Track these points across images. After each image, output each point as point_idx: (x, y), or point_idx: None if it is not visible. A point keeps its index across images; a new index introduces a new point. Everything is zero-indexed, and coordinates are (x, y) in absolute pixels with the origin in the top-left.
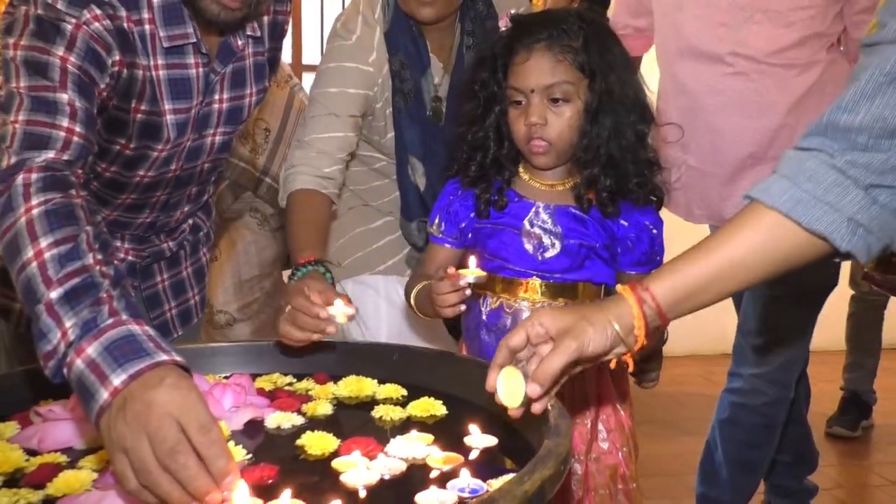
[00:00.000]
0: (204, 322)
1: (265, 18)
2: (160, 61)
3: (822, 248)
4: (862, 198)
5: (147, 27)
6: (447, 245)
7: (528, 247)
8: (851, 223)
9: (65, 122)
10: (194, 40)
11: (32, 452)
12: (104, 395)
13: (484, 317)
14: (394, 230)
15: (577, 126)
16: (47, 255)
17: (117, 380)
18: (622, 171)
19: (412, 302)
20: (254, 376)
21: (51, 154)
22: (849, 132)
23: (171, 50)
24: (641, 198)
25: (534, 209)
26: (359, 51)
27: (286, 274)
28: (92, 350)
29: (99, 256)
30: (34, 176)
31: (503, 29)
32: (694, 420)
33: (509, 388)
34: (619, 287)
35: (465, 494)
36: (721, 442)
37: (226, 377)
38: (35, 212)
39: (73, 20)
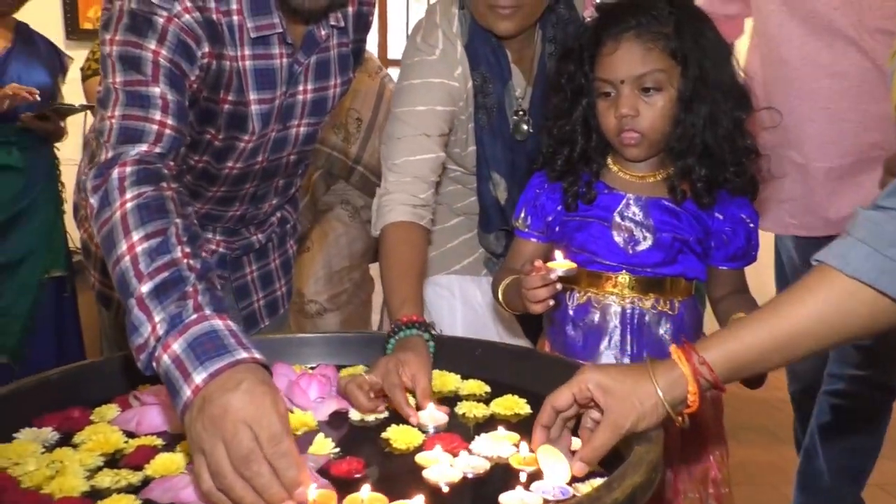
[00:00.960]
0: (295, 311)
1: (350, 9)
2: (247, 52)
3: None
4: None
5: (235, 18)
6: (533, 239)
7: (619, 240)
8: None
9: (157, 115)
10: (280, 30)
11: (131, 434)
12: (187, 392)
13: (570, 312)
14: (468, 229)
15: (670, 115)
16: (139, 248)
17: (199, 378)
18: (718, 161)
19: (500, 297)
20: (338, 367)
21: (144, 147)
22: None
23: (257, 40)
24: (738, 188)
25: (624, 201)
26: (444, 65)
27: (374, 268)
28: (177, 346)
29: (187, 249)
30: (128, 170)
31: (588, 19)
32: (790, 427)
33: (551, 465)
34: (673, 352)
35: (551, 498)
36: (822, 448)
37: (312, 368)
38: (129, 206)
39: (165, 13)
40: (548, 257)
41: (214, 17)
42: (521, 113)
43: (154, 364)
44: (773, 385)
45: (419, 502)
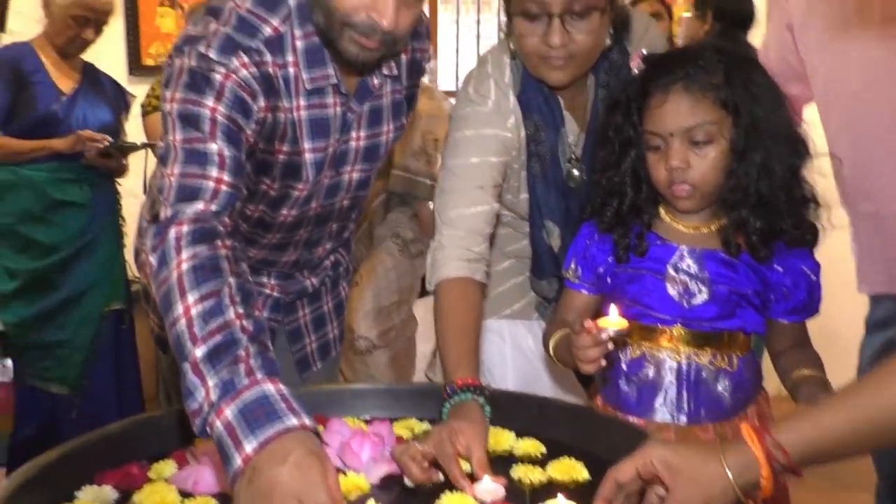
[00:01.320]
0: (345, 348)
1: (403, 57)
2: (302, 102)
3: None
4: None
5: (291, 70)
6: (584, 291)
7: (673, 293)
8: None
9: (214, 172)
10: (335, 81)
11: (187, 494)
12: (238, 461)
13: (624, 366)
14: (519, 273)
15: (722, 166)
16: (193, 311)
17: (249, 447)
18: (774, 212)
19: (552, 352)
20: (392, 420)
21: (200, 206)
22: None
23: (312, 91)
24: (797, 239)
25: (678, 253)
26: (496, 116)
27: (422, 304)
28: (229, 412)
29: (240, 310)
30: (185, 229)
31: (635, 70)
32: (858, 472)
33: None
34: (745, 432)
35: None
36: None
37: (366, 421)
38: (184, 266)
39: (223, 69)
40: (599, 311)
41: (271, 70)
42: (574, 160)
43: (208, 429)
44: None
45: None
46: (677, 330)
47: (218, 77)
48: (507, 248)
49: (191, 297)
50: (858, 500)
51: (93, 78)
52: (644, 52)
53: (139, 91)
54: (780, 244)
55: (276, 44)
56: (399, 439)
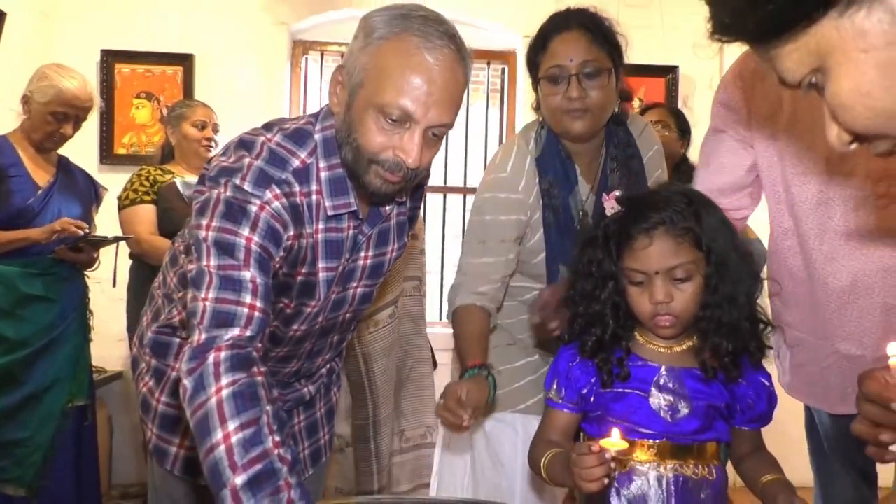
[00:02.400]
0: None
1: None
2: (320, 226)
3: None
4: None
5: (314, 198)
6: (566, 410)
7: (659, 410)
8: None
9: (248, 299)
10: (354, 208)
11: None
12: None
13: (614, 482)
14: (535, 370)
15: (698, 299)
16: (234, 439)
17: None
18: (741, 336)
19: (543, 473)
20: None
21: (236, 331)
22: None
23: (331, 217)
24: (758, 358)
25: (659, 372)
26: (510, 181)
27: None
28: None
29: (277, 438)
30: (223, 355)
31: (610, 210)
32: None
33: None
34: None
35: None
36: None
37: None
38: (224, 393)
39: (258, 201)
40: (579, 429)
41: (298, 200)
42: (584, 213)
43: None
44: None
45: None
46: (664, 444)
47: (253, 208)
48: (520, 336)
49: (231, 425)
50: None
51: (67, 171)
52: (617, 193)
53: (109, 179)
54: (744, 361)
55: (304, 174)
56: None
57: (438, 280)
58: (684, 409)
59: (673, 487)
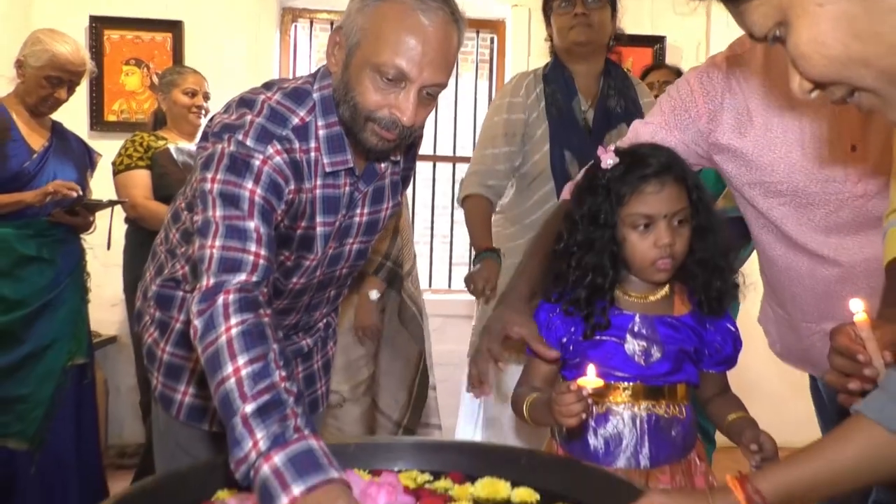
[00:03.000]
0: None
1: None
2: (319, 182)
3: None
4: None
5: (313, 155)
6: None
7: (634, 355)
8: None
9: (253, 247)
10: (350, 165)
11: None
12: (284, 500)
13: (591, 422)
14: None
15: (688, 244)
16: (243, 372)
17: (297, 489)
18: (725, 278)
19: (525, 415)
20: (398, 472)
21: (243, 276)
22: None
23: (329, 174)
24: (728, 300)
25: (634, 320)
26: (513, 90)
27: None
28: (278, 459)
29: (283, 373)
30: (231, 297)
31: (610, 163)
32: None
33: None
34: (729, 481)
35: None
36: None
37: (372, 472)
38: (234, 331)
39: (260, 156)
40: (560, 377)
41: (298, 156)
42: (585, 120)
43: (252, 473)
44: None
45: None
46: (637, 386)
47: (256, 162)
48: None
49: (240, 360)
50: None
51: (61, 136)
52: (613, 147)
53: (99, 146)
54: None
55: (303, 132)
56: (406, 489)
57: (428, 250)
58: (657, 354)
59: (646, 426)
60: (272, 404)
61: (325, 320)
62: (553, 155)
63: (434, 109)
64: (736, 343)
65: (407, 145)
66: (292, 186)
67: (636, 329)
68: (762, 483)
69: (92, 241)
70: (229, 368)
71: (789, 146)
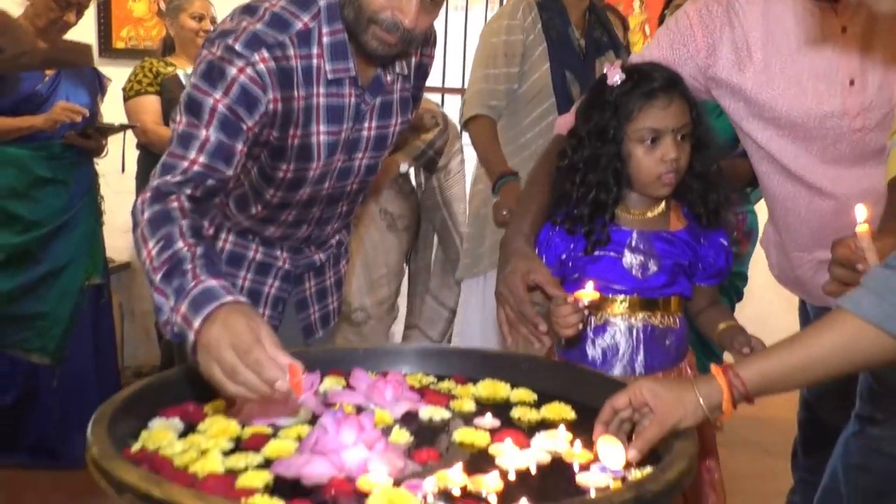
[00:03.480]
0: (340, 320)
1: (413, 59)
2: (321, 90)
3: None
4: None
5: (315, 61)
6: None
7: (631, 268)
8: None
9: (192, 154)
10: (353, 74)
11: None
12: (192, 337)
13: (590, 333)
14: None
15: (689, 158)
16: (154, 251)
17: (196, 323)
18: (720, 189)
19: None
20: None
21: (167, 178)
22: None
23: (332, 81)
24: (725, 212)
25: (631, 236)
26: (510, 13)
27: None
28: (184, 307)
29: (189, 241)
30: (147, 195)
31: (617, 80)
32: (783, 442)
33: (609, 451)
34: (713, 369)
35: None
36: (849, 488)
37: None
38: (144, 223)
39: (241, 63)
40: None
41: (292, 63)
42: (580, 46)
43: (175, 329)
44: (764, 403)
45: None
46: (633, 299)
47: (232, 70)
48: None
49: (150, 243)
50: (781, 465)
51: None
52: (620, 63)
53: (108, 73)
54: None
55: (305, 37)
56: (412, 388)
57: None
58: (653, 267)
59: (641, 335)
60: (174, 267)
61: (337, 237)
62: (553, 72)
63: (443, 43)
64: (728, 257)
65: (417, 65)
66: (272, 95)
67: (633, 244)
68: (743, 370)
69: (104, 169)
70: (144, 254)
71: (788, 82)
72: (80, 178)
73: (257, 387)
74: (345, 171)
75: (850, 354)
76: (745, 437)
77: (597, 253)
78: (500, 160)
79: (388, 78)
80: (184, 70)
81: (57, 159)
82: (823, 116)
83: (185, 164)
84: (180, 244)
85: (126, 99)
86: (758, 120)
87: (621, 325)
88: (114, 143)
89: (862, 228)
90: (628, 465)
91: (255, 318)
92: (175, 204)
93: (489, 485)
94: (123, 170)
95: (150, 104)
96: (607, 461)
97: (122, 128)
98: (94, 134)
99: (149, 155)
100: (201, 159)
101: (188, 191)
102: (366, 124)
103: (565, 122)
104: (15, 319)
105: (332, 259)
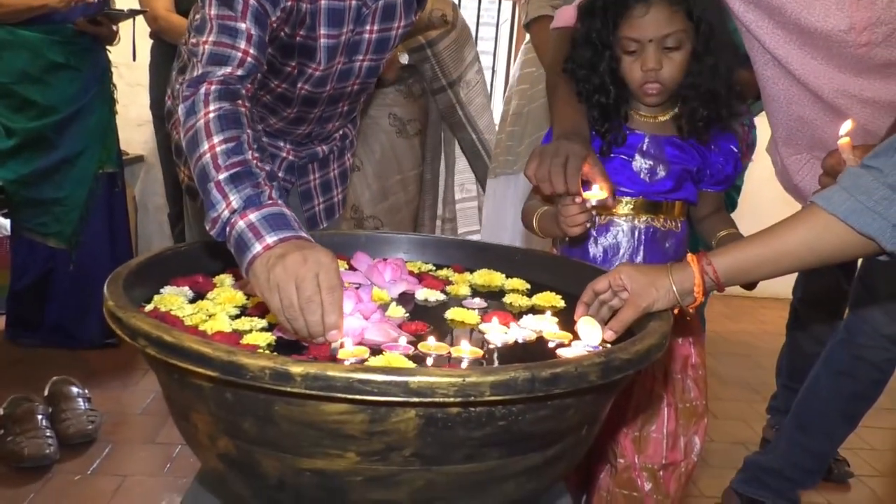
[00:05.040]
0: (355, 228)
1: None
2: None
3: (869, 247)
4: None
5: None
6: None
7: (640, 172)
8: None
9: (242, 45)
10: None
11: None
12: (258, 247)
13: (593, 231)
14: None
15: (684, 68)
16: (218, 148)
17: (270, 238)
18: (717, 104)
19: (535, 226)
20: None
21: (228, 69)
22: None
23: None
24: (729, 125)
25: (643, 140)
26: None
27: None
28: (253, 217)
29: (257, 155)
30: (213, 87)
31: None
32: (769, 385)
33: (588, 330)
34: (688, 257)
35: (590, 348)
36: (831, 393)
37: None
38: (211, 115)
39: None
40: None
41: None
42: None
43: (228, 229)
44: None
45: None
46: (639, 200)
47: None
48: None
49: (216, 138)
50: (769, 377)
51: None
52: None
53: None
54: (716, 130)
55: None
56: (411, 273)
57: None
58: (662, 172)
59: (643, 237)
60: (245, 174)
61: (341, 131)
62: None
63: None
64: (736, 164)
65: None
66: None
67: (645, 148)
68: (716, 259)
69: (116, 60)
70: (205, 146)
71: None
72: (93, 66)
73: (316, 325)
74: (346, 73)
75: (817, 247)
76: (739, 378)
77: (610, 154)
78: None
79: None
80: None
81: (70, 44)
82: (830, 30)
83: (240, 54)
84: (249, 155)
85: None
86: (767, 22)
87: (624, 225)
88: (124, 32)
89: (843, 141)
90: (604, 343)
91: (337, 263)
92: (244, 109)
93: (465, 350)
94: (134, 58)
95: None
96: (587, 338)
97: (132, 13)
98: (104, 20)
99: (162, 44)
100: (252, 51)
101: (248, 84)
102: (367, 27)
103: (564, 15)
104: (33, 204)
105: (337, 151)
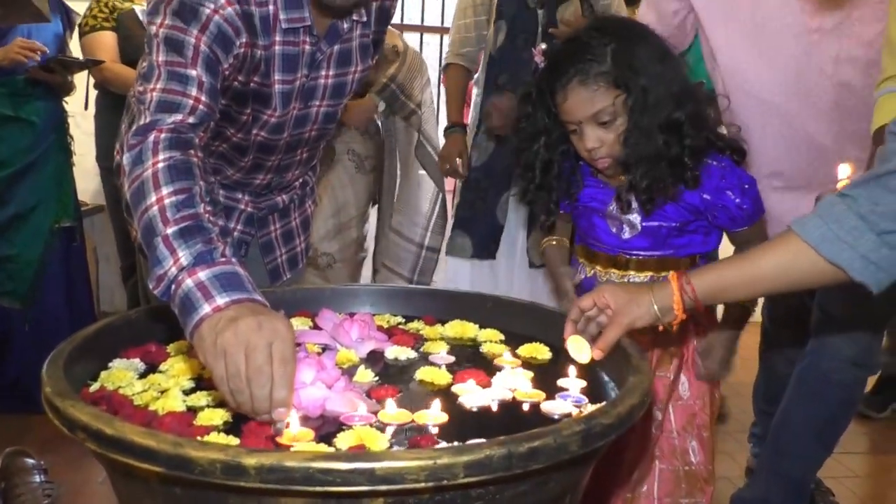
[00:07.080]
0: (307, 266)
1: (374, 4)
2: (277, 38)
3: (839, 276)
4: (874, 240)
5: (270, 9)
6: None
7: (612, 229)
8: (864, 260)
9: (193, 92)
10: (308, 23)
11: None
12: (206, 308)
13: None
14: None
15: (623, 138)
16: (167, 201)
17: (221, 300)
18: (660, 168)
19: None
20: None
21: (179, 117)
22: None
23: (287, 30)
24: (695, 180)
25: (611, 196)
26: None
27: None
28: (203, 275)
29: (209, 208)
30: (163, 135)
31: (540, 63)
32: None
33: (577, 348)
34: (669, 275)
35: (573, 407)
36: (802, 417)
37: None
38: (160, 165)
39: (211, 5)
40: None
41: (252, 9)
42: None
43: (174, 287)
44: None
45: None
46: (621, 257)
47: (206, 11)
48: None
49: (165, 189)
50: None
51: None
52: (544, 47)
53: (76, 7)
54: (711, 170)
55: None
56: (379, 328)
57: None
58: (633, 230)
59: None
60: (196, 229)
61: (300, 179)
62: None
63: None
64: (745, 196)
65: (378, 9)
66: (244, 40)
67: (615, 204)
68: (695, 279)
69: (72, 110)
70: (153, 198)
71: None
72: (48, 117)
73: (263, 400)
74: (301, 119)
75: (790, 273)
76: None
77: (586, 208)
78: (454, 110)
79: (345, 25)
80: (140, 6)
81: (19, 96)
82: (786, 11)
83: (191, 101)
84: (201, 209)
85: (82, 35)
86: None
87: (608, 279)
88: (79, 81)
89: (843, 184)
90: (593, 362)
91: (293, 332)
92: (195, 160)
93: (431, 418)
94: (86, 107)
95: (106, 40)
96: (576, 356)
97: (89, 63)
98: (58, 68)
99: (108, 94)
100: (204, 98)
101: (201, 133)
102: (322, 72)
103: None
104: None
105: (297, 200)
